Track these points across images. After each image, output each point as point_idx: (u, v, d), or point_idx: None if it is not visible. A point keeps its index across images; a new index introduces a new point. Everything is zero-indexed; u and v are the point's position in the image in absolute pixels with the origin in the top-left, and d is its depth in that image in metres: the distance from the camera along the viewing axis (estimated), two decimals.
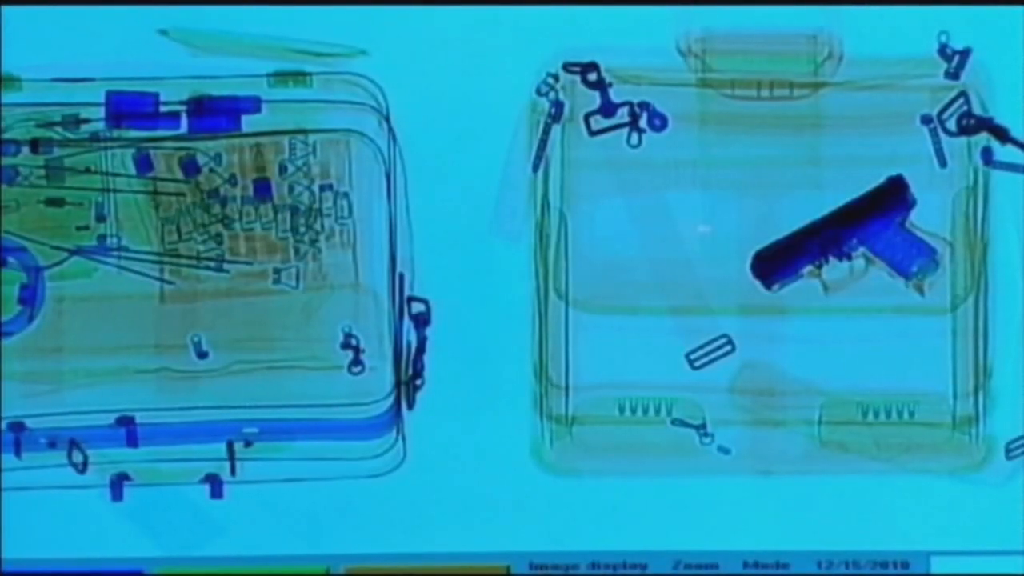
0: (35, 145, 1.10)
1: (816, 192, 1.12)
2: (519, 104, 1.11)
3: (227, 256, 1.11)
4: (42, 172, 1.11)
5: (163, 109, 1.10)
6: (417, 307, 1.12)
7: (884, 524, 1.14)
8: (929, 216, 1.12)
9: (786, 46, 1.11)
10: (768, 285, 1.13)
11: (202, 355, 1.12)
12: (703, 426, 1.14)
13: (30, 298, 1.11)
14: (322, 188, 1.11)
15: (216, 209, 1.11)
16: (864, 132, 1.11)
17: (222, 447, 1.13)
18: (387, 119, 1.10)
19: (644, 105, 1.11)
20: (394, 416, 1.13)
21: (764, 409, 1.13)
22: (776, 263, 1.12)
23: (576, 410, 1.13)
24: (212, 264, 1.11)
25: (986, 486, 1.13)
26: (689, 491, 1.14)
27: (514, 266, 1.12)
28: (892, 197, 1.12)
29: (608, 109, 1.11)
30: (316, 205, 1.11)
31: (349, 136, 1.11)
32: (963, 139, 1.12)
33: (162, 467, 1.13)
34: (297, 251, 1.11)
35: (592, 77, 1.11)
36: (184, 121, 1.10)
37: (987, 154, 1.12)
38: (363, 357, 1.12)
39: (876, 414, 1.13)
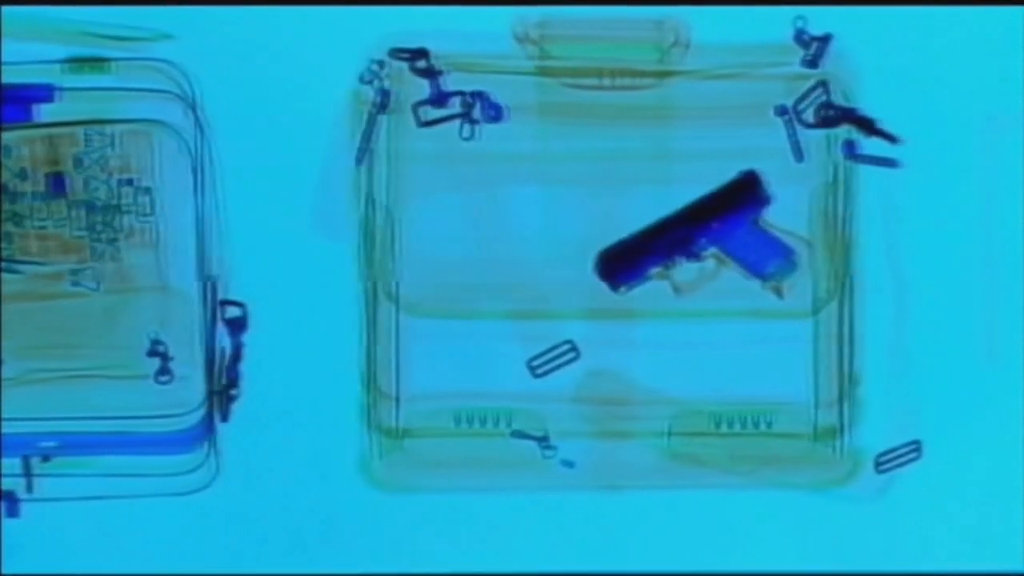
0: None
1: (664, 188, 1.09)
2: (341, 92, 1.08)
3: (18, 256, 1.08)
4: None
5: None
6: (232, 311, 1.08)
7: (742, 541, 1.12)
8: (785, 213, 1.10)
9: (630, 32, 1.08)
10: (615, 287, 1.10)
11: None
12: (545, 438, 1.11)
13: None
14: (121, 183, 1.08)
15: (5, 205, 1.07)
16: (714, 124, 1.08)
17: (17, 462, 1.09)
18: (194, 109, 1.07)
19: (478, 94, 1.08)
20: (206, 429, 1.09)
21: (611, 420, 1.11)
22: (622, 264, 1.10)
23: (408, 422, 1.11)
24: (2, 265, 1.07)
25: (853, 502, 1.12)
26: (530, 507, 1.11)
27: (338, 267, 1.09)
28: (745, 193, 1.09)
29: (439, 98, 1.08)
30: (115, 201, 1.08)
31: (152, 127, 1.07)
32: (822, 131, 1.09)
33: None
34: (94, 251, 1.08)
35: (421, 64, 1.08)
36: None
37: (850, 147, 1.09)
38: (171, 365, 1.09)
39: (731, 424, 1.11)
